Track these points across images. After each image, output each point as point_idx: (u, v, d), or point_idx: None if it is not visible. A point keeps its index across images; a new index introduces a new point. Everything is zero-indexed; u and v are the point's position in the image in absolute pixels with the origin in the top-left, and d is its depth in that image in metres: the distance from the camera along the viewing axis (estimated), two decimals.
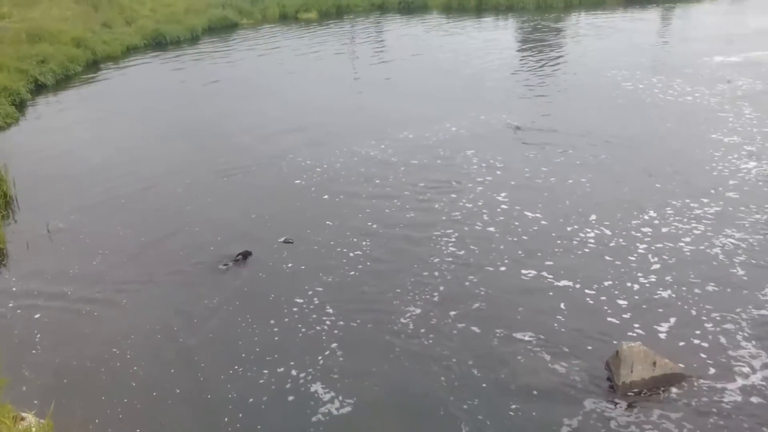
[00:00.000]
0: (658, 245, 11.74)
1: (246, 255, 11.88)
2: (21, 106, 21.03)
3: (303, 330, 9.68)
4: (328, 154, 16.73)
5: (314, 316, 10.03)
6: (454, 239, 12.24)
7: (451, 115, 19.56)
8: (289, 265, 11.61)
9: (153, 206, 14.12)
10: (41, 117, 20.76)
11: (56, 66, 24.49)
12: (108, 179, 15.60)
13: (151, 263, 11.85)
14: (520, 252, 11.68)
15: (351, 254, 11.87)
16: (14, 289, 11.17)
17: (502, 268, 11.18)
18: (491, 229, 12.60)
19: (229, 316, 10.16)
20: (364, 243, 12.24)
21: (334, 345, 9.30)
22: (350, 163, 16.14)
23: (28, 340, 9.66)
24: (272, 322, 9.90)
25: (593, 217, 12.88)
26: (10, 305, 10.65)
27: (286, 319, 9.96)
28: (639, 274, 10.82)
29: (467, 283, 10.81)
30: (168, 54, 28.65)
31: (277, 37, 32.15)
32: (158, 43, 29.97)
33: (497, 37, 32.71)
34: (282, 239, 12.51)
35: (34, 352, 9.42)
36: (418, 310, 10.08)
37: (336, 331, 9.62)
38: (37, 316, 10.26)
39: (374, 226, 12.92)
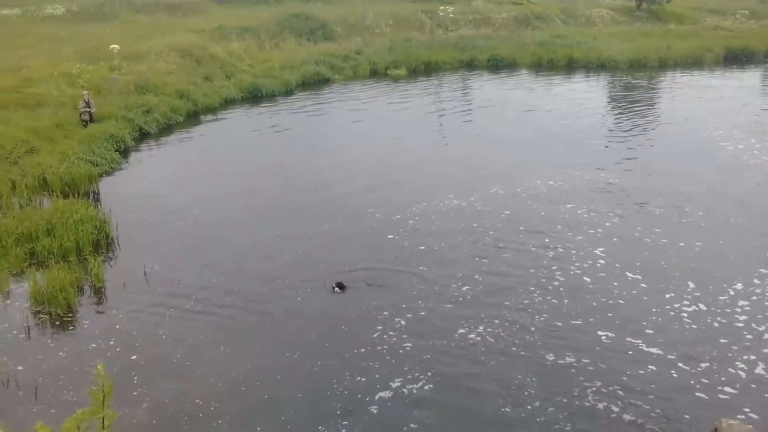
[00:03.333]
0: (759, 317, 10.92)
1: (341, 286, 12.27)
2: (125, 152, 22.18)
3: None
4: (418, 206, 16.70)
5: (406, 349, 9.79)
6: (549, 290, 11.94)
7: (541, 171, 19.23)
8: (388, 304, 11.48)
9: (244, 254, 14.39)
10: (143, 163, 21.79)
11: (160, 116, 25.80)
12: (202, 223, 16.08)
13: (240, 310, 12.01)
14: (612, 315, 11.16)
15: (448, 305, 11.65)
16: (117, 326, 11.51)
17: (600, 333, 10.67)
18: (588, 284, 12.17)
19: (333, 348, 10.09)
20: (457, 292, 12.08)
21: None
22: (441, 216, 16.05)
23: (125, 380, 9.84)
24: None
25: (692, 285, 12.19)
26: (111, 343, 10.97)
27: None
28: (737, 348, 10.07)
29: (559, 339, 10.37)
30: (263, 106, 29.76)
31: (366, 92, 32.89)
32: (254, 96, 31.17)
33: (588, 95, 32.25)
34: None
35: (131, 390, 9.60)
36: (503, 358, 9.74)
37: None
38: (133, 357, 10.48)
39: (468, 275, 12.82)
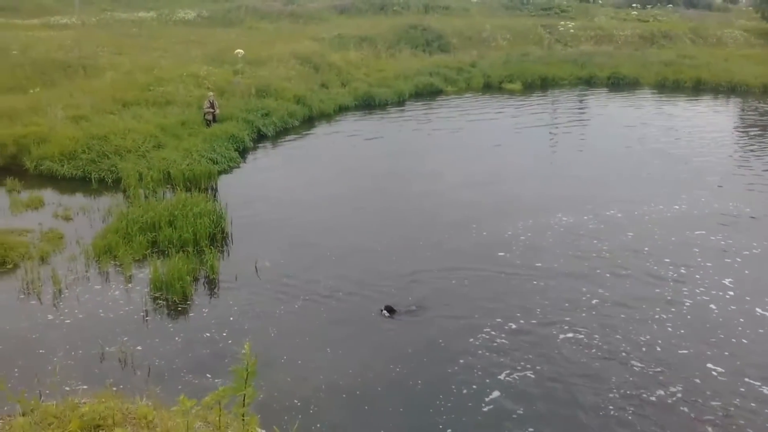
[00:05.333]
0: None
1: (391, 310, 11.90)
2: (243, 152, 22.97)
3: None
4: (524, 222, 16.23)
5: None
6: (670, 316, 11.25)
7: (662, 195, 18.22)
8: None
9: (350, 258, 14.43)
10: (259, 163, 22.51)
11: (277, 119, 26.63)
12: (310, 224, 16.33)
13: (347, 314, 12.04)
14: (733, 351, 10.29)
15: (564, 326, 11.20)
16: (230, 318, 11.84)
17: (713, 367, 9.91)
18: (713, 315, 11.36)
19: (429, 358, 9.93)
20: (567, 317, 11.60)
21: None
22: (553, 235, 15.51)
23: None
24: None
25: None
26: (224, 334, 11.28)
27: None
28: None
29: (669, 370, 9.67)
30: (374, 114, 30.10)
31: (478, 104, 32.56)
32: (367, 104, 31.59)
33: (716, 118, 30.40)
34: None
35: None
36: (615, 394, 9.16)
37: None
38: (243, 352, 10.67)
39: (579, 298, 12.31)
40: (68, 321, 11.63)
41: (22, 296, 12.43)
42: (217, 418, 3.46)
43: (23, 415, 3.50)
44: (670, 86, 37.85)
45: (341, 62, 35.42)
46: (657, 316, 11.72)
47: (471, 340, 11.14)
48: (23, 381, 8.69)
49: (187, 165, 19.44)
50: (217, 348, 10.87)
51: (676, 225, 16.04)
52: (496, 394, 9.71)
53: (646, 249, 14.74)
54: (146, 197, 17.18)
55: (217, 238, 15.23)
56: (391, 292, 12.86)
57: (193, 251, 14.12)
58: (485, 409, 9.40)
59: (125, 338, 10.96)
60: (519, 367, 10.33)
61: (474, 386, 9.89)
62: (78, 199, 17.60)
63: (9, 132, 20.68)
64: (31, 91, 25.22)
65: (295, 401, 9.40)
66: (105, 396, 3.57)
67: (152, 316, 11.94)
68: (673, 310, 11.98)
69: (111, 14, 48.11)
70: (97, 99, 24.36)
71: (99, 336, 10.99)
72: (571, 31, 46.90)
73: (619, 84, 38.51)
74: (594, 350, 10.80)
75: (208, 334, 11.28)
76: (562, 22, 48.36)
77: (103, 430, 3.31)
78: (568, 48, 44.70)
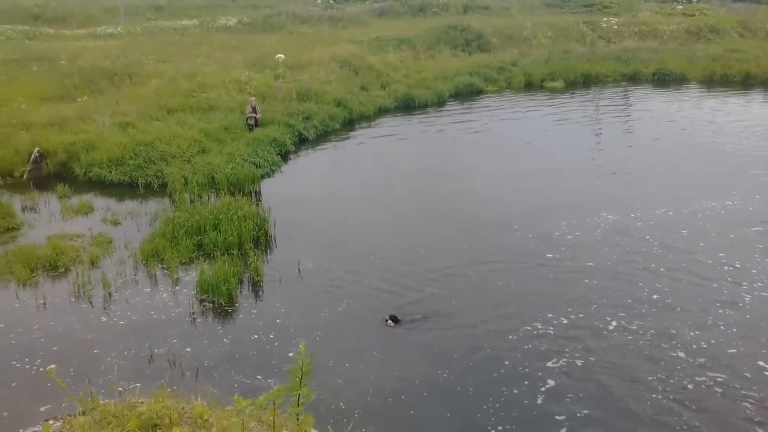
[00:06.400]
0: None
1: (395, 320, 11.64)
2: (285, 156, 23.12)
3: None
4: (567, 222, 15.96)
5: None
6: (727, 314, 10.92)
7: (712, 192, 17.75)
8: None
9: (391, 261, 14.35)
10: (300, 166, 22.64)
11: (318, 122, 26.76)
12: (352, 227, 16.33)
13: (391, 314, 11.98)
14: None
15: (622, 327, 10.96)
16: (277, 321, 11.91)
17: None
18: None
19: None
20: (622, 314, 11.37)
21: None
22: (602, 234, 15.22)
23: (281, 375, 10.03)
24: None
25: None
26: (270, 336, 11.35)
27: None
28: None
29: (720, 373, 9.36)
30: (414, 116, 29.99)
31: (519, 103, 32.18)
32: (407, 106, 31.51)
33: (764, 112, 29.42)
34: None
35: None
36: (667, 398, 8.91)
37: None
38: (290, 354, 10.68)
39: (634, 296, 12.12)
40: (122, 323, 11.86)
41: (74, 299, 12.71)
42: (272, 418, 3.43)
43: (83, 414, 3.53)
44: (718, 81, 36.82)
45: (380, 65, 35.42)
46: (713, 315, 11.43)
47: (517, 342, 10.99)
48: (78, 380, 8.87)
49: (231, 169, 19.65)
50: (265, 350, 10.93)
51: (730, 222, 15.59)
52: (543, 397, 9.55)
53: (702, 245, 14.39)
54: (191, 201, 17.44)
55: (261, 240, 15.35)
56: (435, 293, 12.78)
57: (238, 254, 14.25)
58: (534, 413, 9.24)
59: (174, 340, 11.12)
60: (570, 370, 10.14)
61: (522, 388, 9.74)
62: (126, 204, 17.96)
63: (59, 139, 21.24)
64: (80, 99, 25.87)
65: (341, 404, 9.37)
66: (161, 395, 3.58)
67: (199, 318, 12.09)
68: (729, 309, 11.64)
69: (155, 23, 49.11)
70: (142, 106, 24.85)
71: (149, 338, 11.18)
72: (615, 27, 46.01)
73: (664, 80, 37.63)
74: (647, 351, 10.57)
75: (255, 336, 11.36)
76: (605, 18, 47.48)
77: (160, 429, 3.32)
78: (612, 44, 43.86)
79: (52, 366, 3.93)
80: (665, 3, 58.06)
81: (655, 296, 12.37)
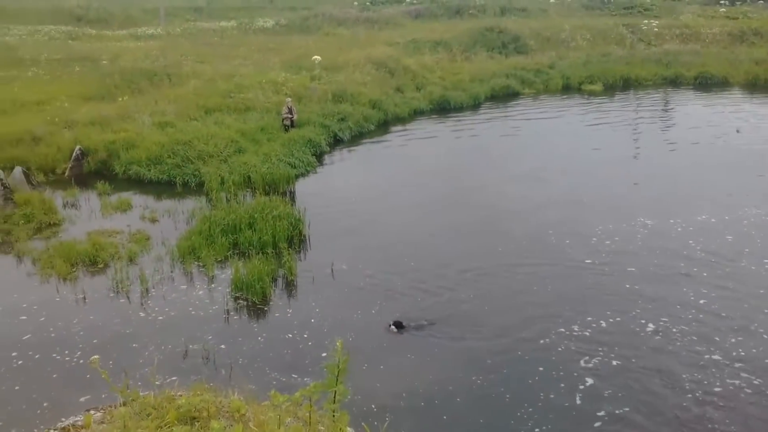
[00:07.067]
0: None
1: (399, 326, 11.47)
2: (320, 156, 23.25)
3: None
4: (603, 227, 15.72)
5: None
6: (763, 334, 10.59)
7: (756, 198, 17.34)
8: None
9: (424, 264, 14.26)
10: (335, 167, 22.73)
11: (353, 123, 26.85)
12: (385, 229, 16.32)
13: (424, 317, 11.92)
14: None
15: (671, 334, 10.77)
16: (311, 320, 11.95)
17: None
18: None
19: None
20: (664, 319, 11.15)
21: None
22: (641, 240, 14.96)
23: (315, 375, 10.07)
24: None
25: None
26: (305, 336, 11.40)
27: None
28: None
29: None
30: (449, 118, 29.87)
31: (556, 106, 31.84)
32: (442, 108, 31.42)
33: None
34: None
35: None
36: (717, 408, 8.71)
37: None
38: (323, 354, 10.70)
39: (676, 302, 11.96)
40: (160, 318, 12.04)
41: (112, 294, 12.94)
42: (308, 414, 3.43)
43: (123, 405, 3.58)
44: (761, 85, 35.95)
45: (416, 66, 35.38)
46: (757, 322, 11.20)
47: (553, 344, 10.85)
48: (116, 373, 9.01)
49: (267, 169, 19.81)
50: (299, 349, 10.98)
51: None
52: (581, 395, 9.44)
53: (747, 251, 14.09)
54: (227, 200, 17.62)
55: (295, 240, 15.43)
56: (469, 296, 12.70)
57: (272, 253, 14.34)
58: (573, 413, 9.13)
59: (209, 337, 11.24)
60: (607, 370, 9.97)
61: (559, 390, 9.62)
62: (163, 202, 18.23)
63: (100, 138, 21.67)
64: (120, 99, 26.37)
65: (373, 406, 9.35)
66: (200, 389, 3.62)
67: (234, 315, 12.20)
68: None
69: (194, 24, 49.85)
70: (181, 106, 25.23)
71: (185, 333, 11.32)
72: (655, 29, 45.23)
73: (706, 84, 36.87)
74: (686, 354, 10.37)
75: (289, 335, 11.41)
76: (645, 21, 46.73)
77: (198, 422, 3.35)
78: (652, 47, 43.10)
79: (96, 357, 4.00)
80: (708, 5, 56.91)
81: (701, 301, 12.17)
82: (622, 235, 15.33)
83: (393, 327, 11.45)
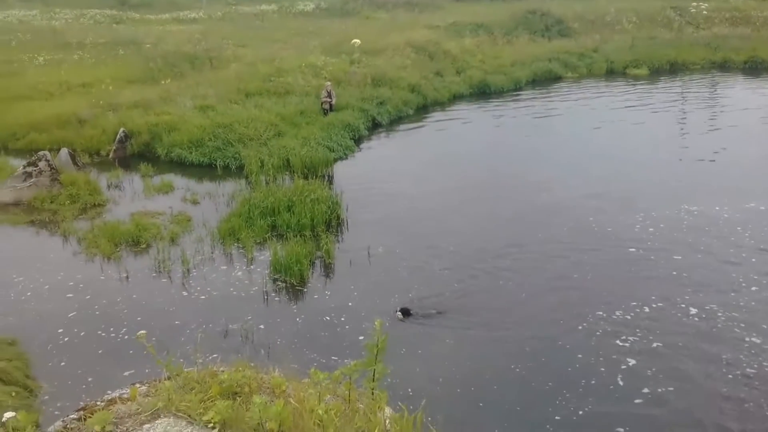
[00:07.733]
0: None
1: (406, 313, 11.33)
2: (358, 140, 23.26)
3: None
4: (644, 214, 15.42)
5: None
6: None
7: None
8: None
9: (463, 248, 14.19)
10: (373, 151, 22.71)
11: (392, 108, 26.76)
12: (422, 214, 16.24)
13: (461, 306, 11.86)
14: None
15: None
16: (349, 304, 12.01)
17: None
18: None
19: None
20: (711, 305, 10.92)
21: None
22: (686, 227, 14.66)
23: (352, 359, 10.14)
24: None
25: None
26: (342, 319, 11.47)
27: None
28: None
29: None
30: (490, 102, 29.54)
31: (600, 90, 31.21)
32: (482, 92, 31.08)
33: None
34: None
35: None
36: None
37: None
38: (361, 338, 10.75)
39: (727, 287, 11.84)
40: (202, 297, 12.26)
41: (155, 274, 13.20)
42: (347, 392, 3.45)
43: (168, 379, 3.65)
44: None
45: (456, 50, 35.04)
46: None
47: (593, 328, 10.70)
48: (159, 350, 9.20)
49: (305, 152, 19.89)
50: (336, 332, 11.05)
51: None
52: (621, 383, 9.33)
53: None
54: (267, 183, 17.77)
55: (333, 224, 15.49)
56: (509, 282, 12.60)
57: (310, 236, 14.43)
58: (616, 395, 9.03)
59: (249, 317, 11.39)
60: (650, 352, 9.82)
61: (599, 376, 9.52)
62: (204, 185, 18.49)
63: (143, 121, 22.05)
64: (163, 82, 26.78)
65: (409, 390, 9.33)
66: (242, 365, 3.67)
67: (273, 296, 12.33)
68: None
69: (235, 8, 50.27)
70: (222, 89, 25.49)
71: (225, 313, 11.50)
72: (704, 12, 43.92)
73: (756, 68, 35.68)
74: (735, 342, 10.13)
75: (327, 318, 11.49)
76: (694, 3, 45.39)
77: (240, 396, 3.40)
78: (700, 30, 41.88)
79: (143, 332, 4.10)
80: None
81: (753, 288, 11.89)
82: (667, 222, 15.01)
83: (399, 314, 11.29)
